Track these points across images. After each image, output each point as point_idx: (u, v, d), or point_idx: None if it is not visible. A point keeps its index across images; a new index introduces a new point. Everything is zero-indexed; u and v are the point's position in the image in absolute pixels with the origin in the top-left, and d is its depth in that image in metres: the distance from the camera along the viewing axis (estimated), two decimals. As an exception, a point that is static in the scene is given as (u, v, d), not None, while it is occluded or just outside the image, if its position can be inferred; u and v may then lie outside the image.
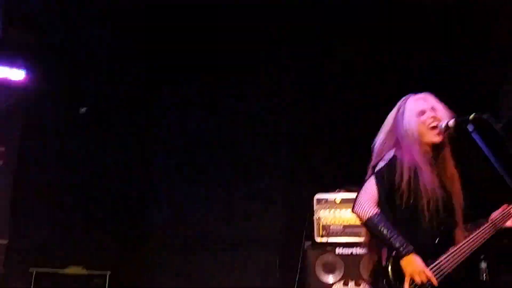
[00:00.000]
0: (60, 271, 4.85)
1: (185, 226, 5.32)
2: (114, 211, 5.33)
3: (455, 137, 2.70)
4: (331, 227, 4.46)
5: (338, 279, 4.35)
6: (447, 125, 2.61)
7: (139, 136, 5.62)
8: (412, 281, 2.37)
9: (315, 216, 4.52)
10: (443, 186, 2.59)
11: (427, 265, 2.42)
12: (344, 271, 4.36)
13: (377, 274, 2.49)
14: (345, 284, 4.33)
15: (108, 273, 4.89)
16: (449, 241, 2.53)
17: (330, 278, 4.39)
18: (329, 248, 4.44)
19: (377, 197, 2.48)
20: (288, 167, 5.35)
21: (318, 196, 4.57)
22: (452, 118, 2.61)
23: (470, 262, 4.45)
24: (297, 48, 5.40)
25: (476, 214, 2.76)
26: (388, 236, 2.39)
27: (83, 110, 5.30)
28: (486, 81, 5.58)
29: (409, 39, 5.14)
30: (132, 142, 5.53)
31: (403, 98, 2.75)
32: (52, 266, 4.84)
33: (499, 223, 2.66)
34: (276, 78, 5.54)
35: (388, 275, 2.40)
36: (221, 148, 5.50)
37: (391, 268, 2.40)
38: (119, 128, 5.48)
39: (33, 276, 4.72)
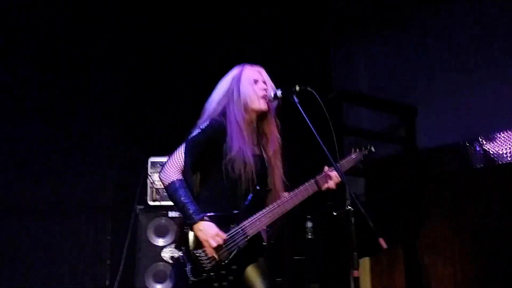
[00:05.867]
0: None
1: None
2: None
3: (280, 107, 2.82)
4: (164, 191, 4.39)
5: (169, 242, 4.34)
6: (275, 95, 2.72)
7: None
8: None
9: (149, 180, 4.43)
10: (260, 155, 2.69)
11: (229, 229, 2.50)
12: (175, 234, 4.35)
13: (181, 239, 2.51)
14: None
15: None
16: (259, 207, 2.61)
17: (162, 242, 4.36)
18: (162, 211, 4.41)
19: (182, 165, 2.53)
20: (122, 127, 5.10)
21: (153, 159, 4.48)
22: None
23: (297, 222, 4.78)
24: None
25: (299, 181, 2.89)
26: (183, 203, 2.46)
27: None
28: (318, 53, 5.86)
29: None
30: None
31: (239, 65, 2.82)
32: None
33: (318, 184, 2.76)
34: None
35: (187, 241, 2.45)
36: (43, 99, 4.98)
37: (193, 234, 2.45)
38: None
39: None
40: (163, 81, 5.27)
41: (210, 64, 4.89)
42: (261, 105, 2.70)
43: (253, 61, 2.89)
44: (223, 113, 2.68)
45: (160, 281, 4.29)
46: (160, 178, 2.57)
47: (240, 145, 2.56)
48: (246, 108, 2.66)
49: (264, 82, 2.76)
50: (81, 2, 5.06)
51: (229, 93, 2.71)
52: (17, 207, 4.78)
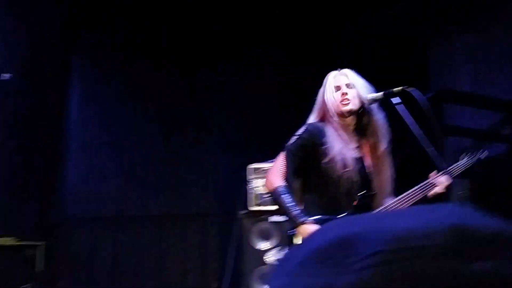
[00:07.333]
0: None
1: (111, 201, 5.16)
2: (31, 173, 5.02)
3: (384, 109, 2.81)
4: (264, 196, 4.50)
5: (273, 245, 4.43)
6: (373, 98, 2.71)
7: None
8: None
9: (250, 185, 4.55)
10: (362, 158, 2.71)
11: None
12: (280, 238, 4.43)
13: (288, 242, 2.64)
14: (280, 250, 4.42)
15: (42, 243, 4.56)
16: (365, 211, 2.62)
17: (265, 245, 4.46)
18: (263, 216, 4.51)
19: (284, 171, 2.65)
20: (221, 136, 5.30)
21: (253, 165, 4.60)
22: (372, 91, 2.73)
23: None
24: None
25: (399, 186, 2.86)
26: (287, 207, 2.56)
27: (6, 76, 4.90)
28: (415, 54, 5.71)
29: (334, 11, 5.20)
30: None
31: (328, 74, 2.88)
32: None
33: (425, 191, 2.73)
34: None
35: (292, 242, 2.57)
36: (150, 112, 5.30)
37: (296, 236, 2.55)
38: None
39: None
40: (261, 89, 5.40)
41: (307, 70, 4.94)
42: (344, 107, 2.73)
43: (346, 64, 2.92)
44: (322, 120, 2.76)
45: (265, 283, 4.39)
46: (265, 185, 2.74)
47: (338, 147, 2.62)
48: (334, 114, 2.73)
49: (348, 85, 2.77)
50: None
51: (320, 103, 2.81)
52: (131, 216, 5.13)
